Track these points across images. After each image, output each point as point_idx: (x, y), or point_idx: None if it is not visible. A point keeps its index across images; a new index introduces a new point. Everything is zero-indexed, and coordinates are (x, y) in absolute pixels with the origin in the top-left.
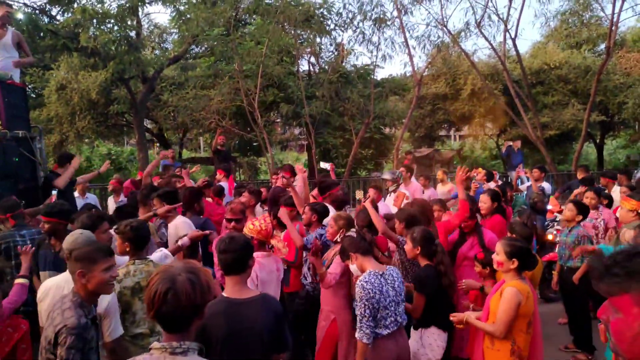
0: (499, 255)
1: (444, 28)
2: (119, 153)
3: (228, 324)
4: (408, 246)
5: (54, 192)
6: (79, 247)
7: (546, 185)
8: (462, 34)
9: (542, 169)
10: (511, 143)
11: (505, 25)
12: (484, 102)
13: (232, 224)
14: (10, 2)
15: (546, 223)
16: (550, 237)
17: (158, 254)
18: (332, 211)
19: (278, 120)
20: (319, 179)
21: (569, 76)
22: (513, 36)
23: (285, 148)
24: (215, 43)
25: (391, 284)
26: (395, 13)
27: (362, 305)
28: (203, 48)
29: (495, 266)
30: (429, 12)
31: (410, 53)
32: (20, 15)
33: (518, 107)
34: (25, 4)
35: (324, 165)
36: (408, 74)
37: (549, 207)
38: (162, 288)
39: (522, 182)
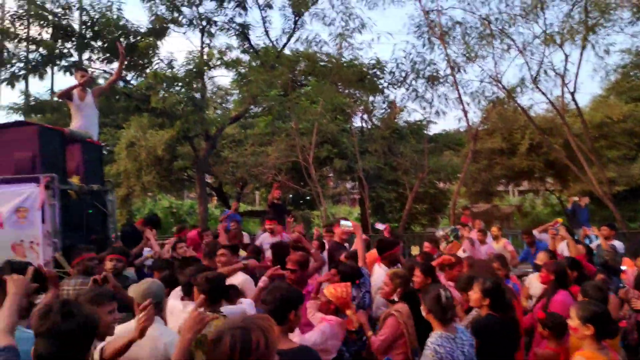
0: (572, 320)
1: (498, 84)
2: (179, 206)
3: None
4: (475, 295)
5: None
6: (85, 293)
7: (618, 244)
8: (518, 89)
9: (612, 227)
10: (577, 198)
11: (563, 80)
12: (543, 157)
13: (289, 273)
14: (84, 67)
15: (621, 285)
16: None
17: (241, 306)
18: (378, 270)
19: (331, 174)
20: (378, 239)
21: (634, 129)
22: (571, 90)
23: (338, 202)
24: (273, 103)
25: (461, 349)
26: (448, 70)
27: None
28: (261, 108)
29: (571, 332)
30: (482, 69)
31: (465, 108)
32: (101, 81)
33: (581, 162)
34: (104, 70)
35: (379, 226)
36: (462, 129)
37: (623, 267)
38: (211, 337)
39: (590, 241)
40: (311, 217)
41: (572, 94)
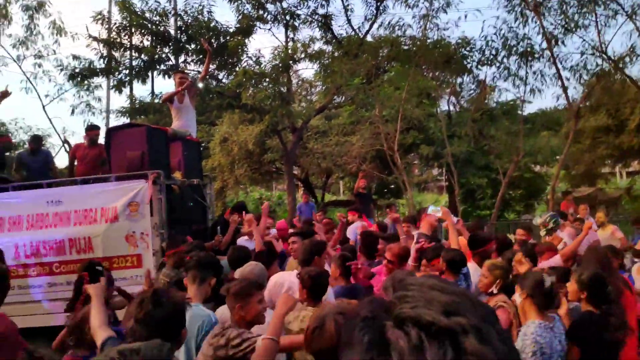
0: None
1: (603, 54)
2: (268, 197)
3: None
4: (572, 287)
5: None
6: (234, 284)
7: None
8: (627, 58)
9: None
10: None
11: None
12: None
13: (387, 264)
14: (183, 70)
15: None
16: None
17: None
18: (470, 267)
19: (416, 161)
20: (471, 231)
21: None
22: None
23: (424, 190)
24: (357, 92)
25: (559, 338)
26: (544, 45)
27: None
28: (345, 97)
29: None
30: (584, 40)
31: (564, 84)
32: (200, 85)
33: None
34: (199, 72)
35: (433, 209)
36: (561, 107)
37: None
38: (311, 326)
39: None
40: (396, 205)
41: None
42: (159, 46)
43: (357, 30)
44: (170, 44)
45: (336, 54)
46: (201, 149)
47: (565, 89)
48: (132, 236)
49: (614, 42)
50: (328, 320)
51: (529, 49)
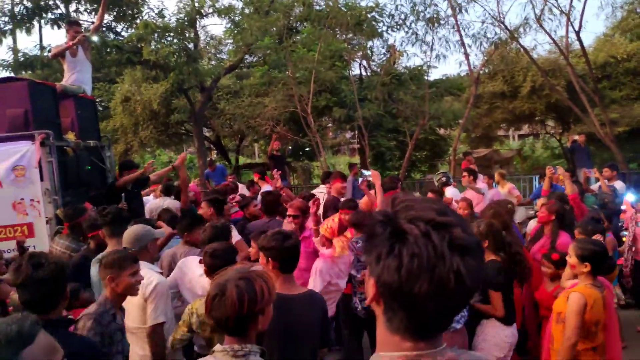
0: (571, 257)
1: (501, 25)
2: (192, 160)
3: (280, 319)
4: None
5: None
6: (107, 255)
7: (619, 185)
8: (521, 29)
9: (613, 167)
10: (577, 137)
11: (568, 18)
12: (545, 99)
13: (291, 219)
14: (78, 22)
15: (620, 224)
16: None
17: None
18: None
19: (330, 125)
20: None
21: (638, 69)
22: (576, 29)
23: (338, 152)
24: (269, 51)
25: None
26: (449, 12)
27: None
28: (257, 57)
29: (569, 269)
30: (485, 9)
31: (466, 51)
32: (95, 38)
33: (583, 103)
34: (91, 22)
35: (366, 173)
36: (463, 73)
37: (623, 207)
38: (211, 293)
39: (590, 183)
40: (311, 168)
41: (577, 32)
42: None
43: None
44: None
45: (247, 10)
46: (99, 108)
47: (467, 55)
48: (20, 204)
49: (511, 14)
50: (230, 287)
51: (435, 15)
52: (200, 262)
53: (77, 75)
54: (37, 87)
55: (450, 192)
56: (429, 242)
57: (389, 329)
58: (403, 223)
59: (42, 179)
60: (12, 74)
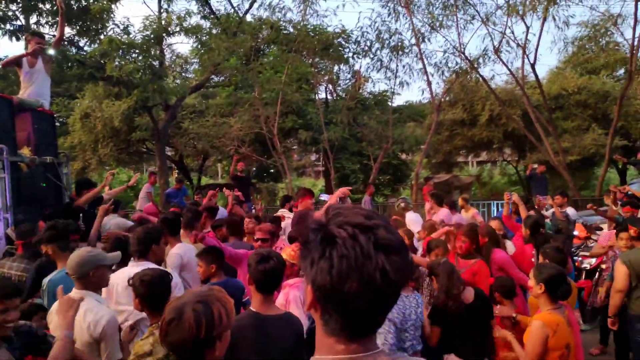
0: (530, 280)
1: (462, 55)
2: (138, 180)
3: (256, 339)
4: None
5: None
6: None
7: (571, 211)
8: (480, 60)
9: (563, 194)
10: (535, 166)
11: (524, 51)
12: (502, 128)
13: (259, 243)
14: (41, 33)
15: (572, 249)
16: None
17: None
18: None
19: (295, 147)
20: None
21: (588, 101)
22: (532, 62)
23: (303, 174)
24: (235, 72)
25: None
26: (413, 40)
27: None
28: (223, 77)
29: (529, 292)
30: (447, 40)
31: (429, 79)
32: (51, 52)
33: (538, 132)
34: (53, 35)
35: (324, 197)
36: (425, 101)
37: (575, 232)
38: (167, 317)
39: (545, 209)
40: (276, 189)
41: (533, 65)
42: (4, 2)
43: (237, 9)
44: (18, 0)
45: (214, 30)
46: (57, 124)
47: (429, 83)
48: None
49: (471, 45)
50: (187, 310)
51: (399, 43)
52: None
53: (34, 87)
54: None
55: (410, 216)
56: (356, 244)
57: (325, 332)
58: (333, 228)
59: None
60: None
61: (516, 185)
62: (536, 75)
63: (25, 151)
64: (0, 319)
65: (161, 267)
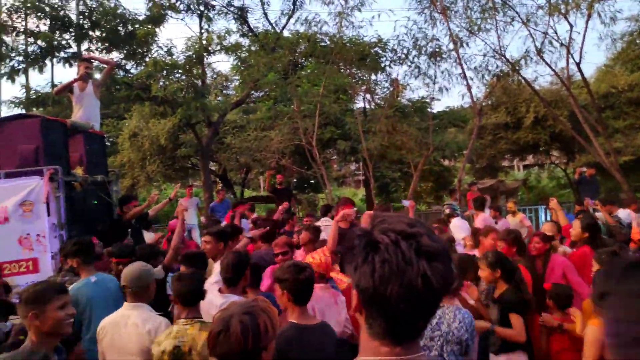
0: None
1: (502, 57)
2: (184, 194)
3: (300, 349)
4: (484, 272)
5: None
6: (26, 289)
7: (624, 214)
8: (522, 61)
9: (605, 202)
10: (584, 169)
11: (568, 50)
12: (548, 130)
13: (280, 257)
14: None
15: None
16: None
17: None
18: None
19: (335, 157)
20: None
21: None
22: (577, 60)
23: (343, 184)
24: (274, 86)
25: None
26: (451, 46)
27: None
28: (263, 92)
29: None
30: (486, 43)
31: (469, 84)
32: (97, 75)
33: (587, 133)
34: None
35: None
36: (466, 105)
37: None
38: (215, 329)
39: (593, 211)
40: (316, 200)
41: (578, 64)
42: (58, 32)
43: (274, 25)
44: (71, 29)
45: (253, 47)
46: (108, 143)
47: (469, 88)
48: (26, 239)
49: (512, 47)
50: (234, 322)
51: (437, 50)
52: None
53: (84, 110)
54: (49, 124)
55: (455, 222)
56: (397, 249)
57: (370, 335)
58: (376, 234)
59: (49, 214)
60: (24, 111)
61: (565, 189)
62: (582, 74)
63: (78, 171)
64: (62, 315)
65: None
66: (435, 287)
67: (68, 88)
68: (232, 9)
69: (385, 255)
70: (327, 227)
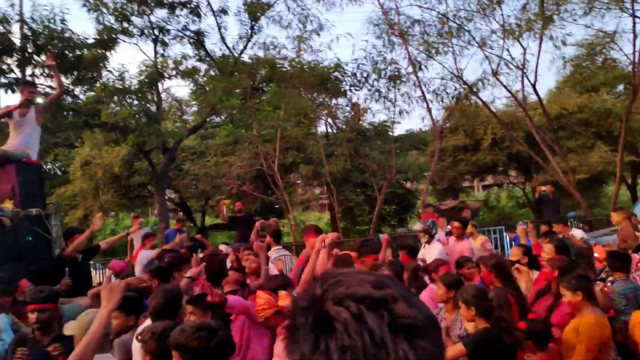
0: (565, 295)
1: (460, 80)
2: (144, 224)
3: None
4: (462, 311)
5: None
6: None
7: (577, 233)
8: (479, 84)
9: (559, 222)
10: (544, 188)
11: (523, 72)
12: (506, 150)
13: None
14: (34, 83)
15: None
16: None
17: None
18: None
19: (299, 181)
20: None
21: (590, 119)
22: (532, 82)
23: (307, 208)
24: (234, 111)
25: None
26: (410, 69)
27: None
28: (222, 117)
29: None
30: (444, 66)
31: (429, 106)
32: (40, 100)
33: (543, 153)
34: (50, 87)
35: (417, 226)
36: (426, 128)
37: (595, 254)
38: None
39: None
40: (280, 225)
41: (534, 85)
42: (0, 56)
43: (232, 49)
44: (13, 54)
45: (211, 72)
46: (58, 172)
47: (430, 110)
48: None
49: (468, 70)
50: None
51: (396, 73)
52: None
53: (22, 137)
54: None
55: (436, 250)
56: (363, 328)
57: None
58: (329, 306)
59: None
60: None
61: (524, 208)
62: (538, 95)
63: (8, 205)
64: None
65: None
66: None
67: (8, 114)
68: (188, 33)
69: (345, 339)
70: (280, 257)
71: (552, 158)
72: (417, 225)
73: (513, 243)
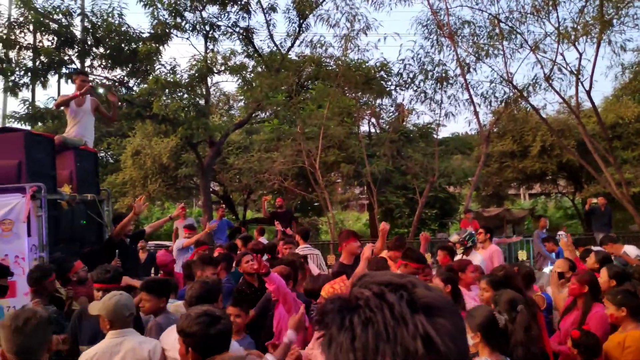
0: (608, 308)
1: (510, 84)
2: (187, 214)
3: None
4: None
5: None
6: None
7: (630, 249)
8: (530, 88)
9: (608, 240)
10: (595, 201)
11: (577, 78)
12: (555, 159)
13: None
14: (85, 71)
15: None
16: None
17: None
18: None
19: (339, 180)
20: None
21: None
22: (587, 88)
23: (346, 208)
24: (279, 108)
25: None
26: (458, 71)
27: None
28: (267, 113)
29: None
30: (493, 69)
31: (476, 110)
32: (100, 90)
33: (597, 162)
34: (106, 77)
35: (454, 238)
36: (472, 132)
37: None
38: None
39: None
40: (319, 224)
41: (588, 92)
42: (62, 48)
43: (279, 46)
44: (75, 45)
45: (258, 68)
46: (110, 160)
47: (477, 114)
48: (3, 260)
49: (520, 74)
50: None
51: (444, 75)
52: None
53: (78, 127)
54: (34, 138)
55: (477, 259)
56: (383, 304)
57: None
58: (355, 290)
59: (29, 234)
60: (26, 126)
61: (573, 219)
62: (592, 103)
63: (66, 189)
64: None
65: None
66: (443, 350)
67: (68, 102)
68: (237, 29)
69: (367, 313)
70: (310, 254)
71: (605, 169)
72: (453, 237)
73: (553, 255)
